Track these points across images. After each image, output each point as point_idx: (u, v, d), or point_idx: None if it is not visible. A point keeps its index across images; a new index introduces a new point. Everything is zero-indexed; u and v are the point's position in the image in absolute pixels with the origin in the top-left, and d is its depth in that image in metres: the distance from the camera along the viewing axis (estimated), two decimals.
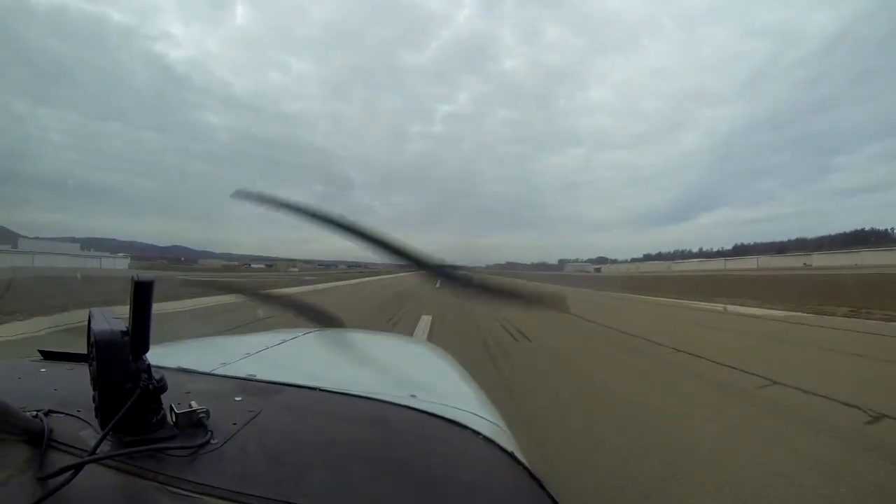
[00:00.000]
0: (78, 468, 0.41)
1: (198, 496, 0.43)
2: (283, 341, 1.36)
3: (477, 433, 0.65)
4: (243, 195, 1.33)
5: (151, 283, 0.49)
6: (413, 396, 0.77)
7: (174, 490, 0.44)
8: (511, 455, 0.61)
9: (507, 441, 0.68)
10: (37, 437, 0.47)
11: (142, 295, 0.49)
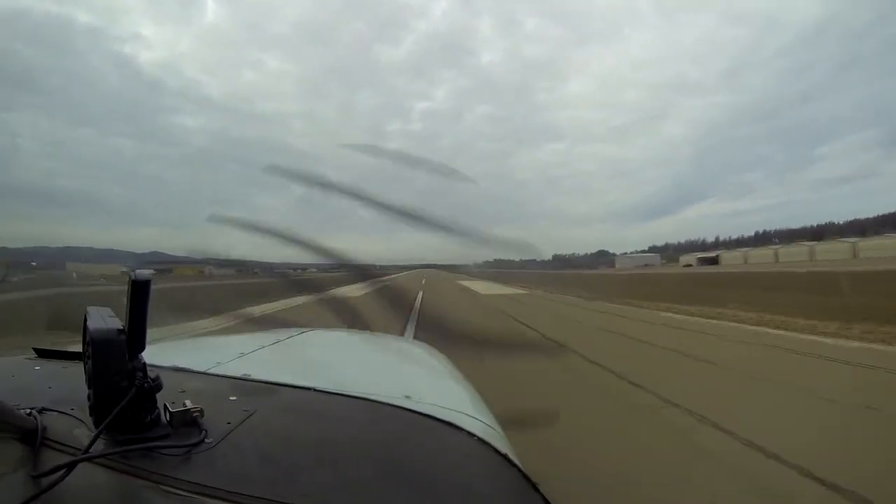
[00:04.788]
0: (71, 467, 0.42)
1: (192, 495, 0.43)
2: (278, 341, 1.36)
3: (471, 434, 0.65)
4: (277, 171, 1.37)
5: (148, 282, 0.49)
6: (407, 397, 0.77)
7: (168, 489, 0.44)
8: (504, 457, 0.61)
9: (500, 442, 0.67)
10: (30, 435, 0.47)
11: (139, 293, 0.49)
